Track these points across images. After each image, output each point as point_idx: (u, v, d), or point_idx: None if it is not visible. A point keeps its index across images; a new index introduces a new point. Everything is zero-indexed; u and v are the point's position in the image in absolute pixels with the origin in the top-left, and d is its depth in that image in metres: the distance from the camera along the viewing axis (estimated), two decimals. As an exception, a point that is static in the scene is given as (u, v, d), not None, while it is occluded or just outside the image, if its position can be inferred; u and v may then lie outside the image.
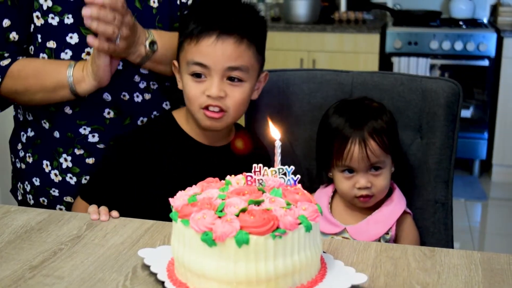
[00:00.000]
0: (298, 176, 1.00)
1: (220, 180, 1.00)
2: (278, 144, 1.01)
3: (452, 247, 1.58)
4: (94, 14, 1.17)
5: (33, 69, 1.37)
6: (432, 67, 3.95)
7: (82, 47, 1.37)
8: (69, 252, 1.10)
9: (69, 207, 1.50)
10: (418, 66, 3.95)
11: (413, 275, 1.01)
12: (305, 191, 1.00)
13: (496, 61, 3.81)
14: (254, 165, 0.98)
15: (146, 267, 1.02)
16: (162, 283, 0.95)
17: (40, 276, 1.01)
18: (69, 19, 1.36)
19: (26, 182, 1.52)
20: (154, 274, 0.98)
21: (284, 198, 0.93)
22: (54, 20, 1.37)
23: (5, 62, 1.37)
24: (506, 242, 3.15)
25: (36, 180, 1.49)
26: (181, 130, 1.38)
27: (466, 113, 3.87)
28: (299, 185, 0.99)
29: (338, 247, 1.13)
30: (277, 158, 1.00)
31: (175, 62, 1.36)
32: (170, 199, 0.97)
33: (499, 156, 3.90)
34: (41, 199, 1.51)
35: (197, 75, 1.26)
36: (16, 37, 1.38)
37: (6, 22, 1.36)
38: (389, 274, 1.02)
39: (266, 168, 0.98)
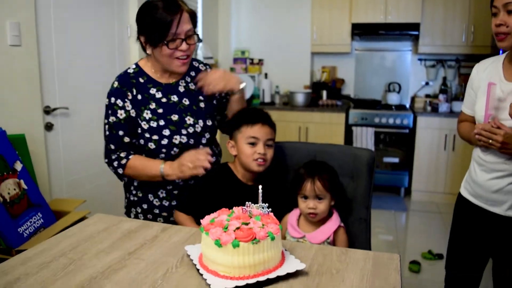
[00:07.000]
0: (270, 209, 1.17)
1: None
2: (260, 191, 1.18)
3: (370, 247, 1.69)
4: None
5: (140, 165, 1.64)
6: (375, 133, 4.45)
7: (172, 136, 1.64)
8: (150, 245, 1.30)
9: (165, 219, 1.74)
10: (367, 133, 4.47)
11: (333, 264, 1.19)
12: (274, 217, 1.17)
13: (412, 130, 4.46)
14: (247, 202, 1.17)
15: (188, 256, 1.22)
16: (195, 265, 1.15)
17: (133, 259, 1.21)
18: (162, 122, 1.64)
19: (138, 207, 1.77)
20: (191, 260, 1.18)
21: (261, 221, 1.12)
22: (154, 124, 1.64)
23: (123, 161, 1.64)
24: (419, 235, 3.82)
25: (144, 206, 1.76)
26: (232, 173, 1.72)
27: (395, 160, 4.53)
28: (271, 214, 1.17)
29: (294, 247, 1.30)
30: (260, 198, 1.17)
31: (231, 142, 1.72)
32: (201, 220, 1.16)
33: (415, 185, 4.56)
34: (148, 216, 1.74)
35: (251, 144, 1.65)
36: (128, 139, 1.66)
37: (121, 132, 1.64)
38: (320, 263, 1.20)
39: (252, 204, 1.16)
